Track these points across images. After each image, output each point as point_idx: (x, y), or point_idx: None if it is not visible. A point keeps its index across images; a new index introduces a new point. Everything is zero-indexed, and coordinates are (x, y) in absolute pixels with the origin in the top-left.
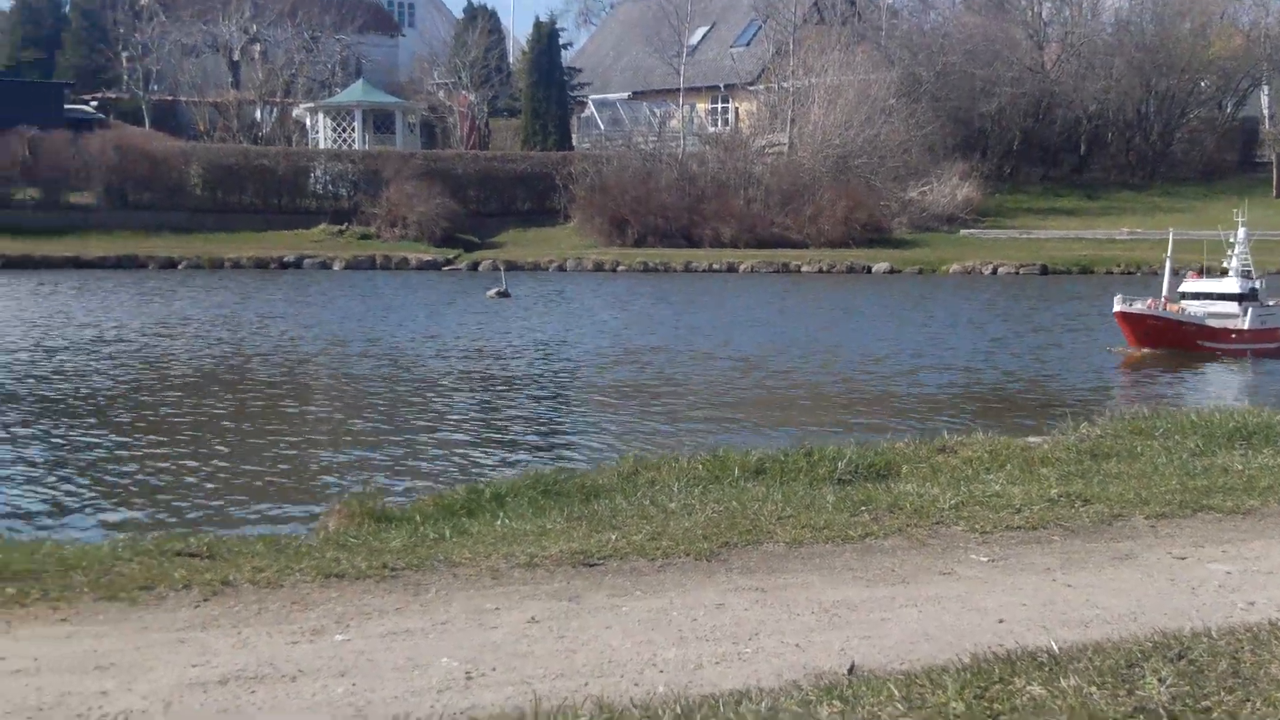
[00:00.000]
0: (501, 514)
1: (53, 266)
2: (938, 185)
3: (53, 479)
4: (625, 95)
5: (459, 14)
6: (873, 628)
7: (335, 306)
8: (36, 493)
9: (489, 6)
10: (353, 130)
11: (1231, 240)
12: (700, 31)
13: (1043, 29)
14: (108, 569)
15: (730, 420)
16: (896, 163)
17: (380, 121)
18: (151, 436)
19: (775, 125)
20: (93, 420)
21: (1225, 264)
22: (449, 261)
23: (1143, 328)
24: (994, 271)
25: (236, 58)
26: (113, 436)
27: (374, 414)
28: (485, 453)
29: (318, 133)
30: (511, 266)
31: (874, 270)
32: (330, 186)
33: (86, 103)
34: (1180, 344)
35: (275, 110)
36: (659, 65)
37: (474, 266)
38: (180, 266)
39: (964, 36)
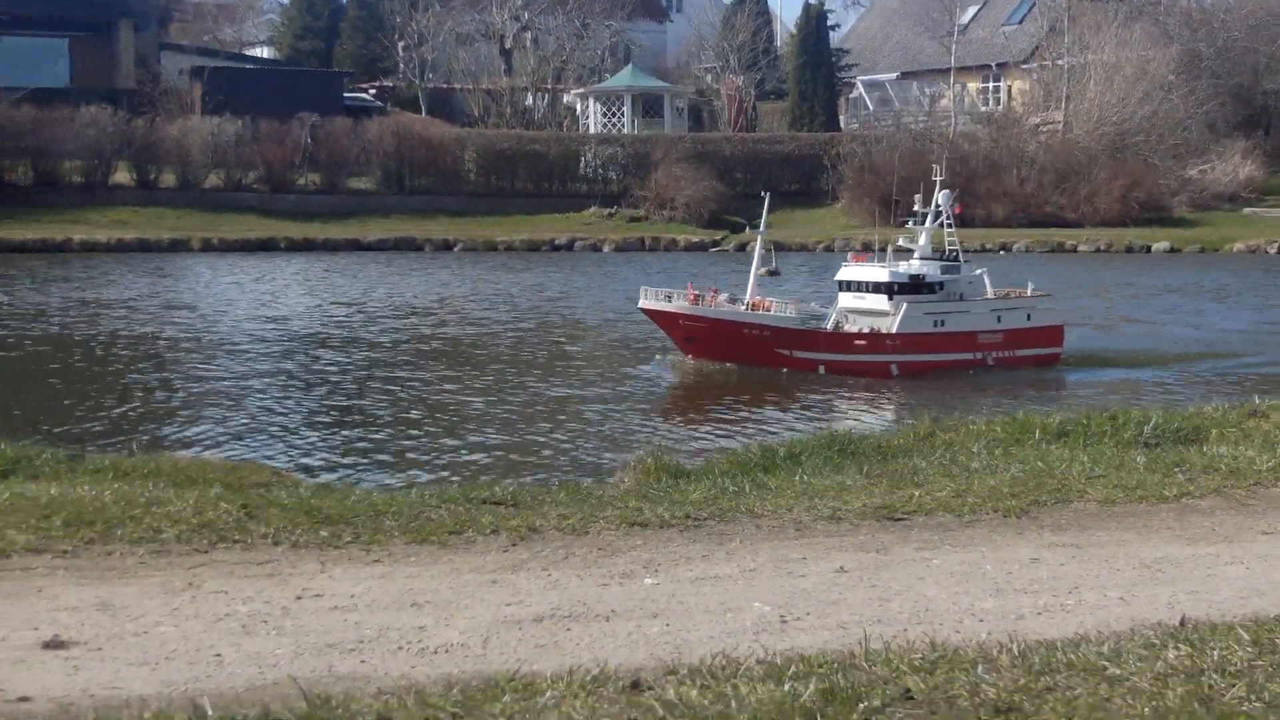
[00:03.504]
0: (800, 470)
1: (333, 249)
2: (1218, 163)
3: (356, 433)
4: (894, 75)
5: None
6: (1199, 583)
7: (620, 280)
8: (343, 444)
9: None
10: (622, 115)
11: (916, 209)
12: (971, 10)
13: None
14: (416, 514)
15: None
16: (1175, 140)
17: (649, 106)
18: (460, 396)
19: (1049, 103)
20: (401, 383)
21: (909, 241)
22: (716, 243)
23: (681, 330)
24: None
25: (509, 45)
26: (423, 394)
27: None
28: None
29: (588, 118)
30: (778, 247)
31: (1153, 249)
32: (600, 170)
33: (365, 91)
34: (749, 354)
35: (546, 96)
36: (929, 44)
37: (741, 248)
38: (455, 249)
39: (1247, 12)
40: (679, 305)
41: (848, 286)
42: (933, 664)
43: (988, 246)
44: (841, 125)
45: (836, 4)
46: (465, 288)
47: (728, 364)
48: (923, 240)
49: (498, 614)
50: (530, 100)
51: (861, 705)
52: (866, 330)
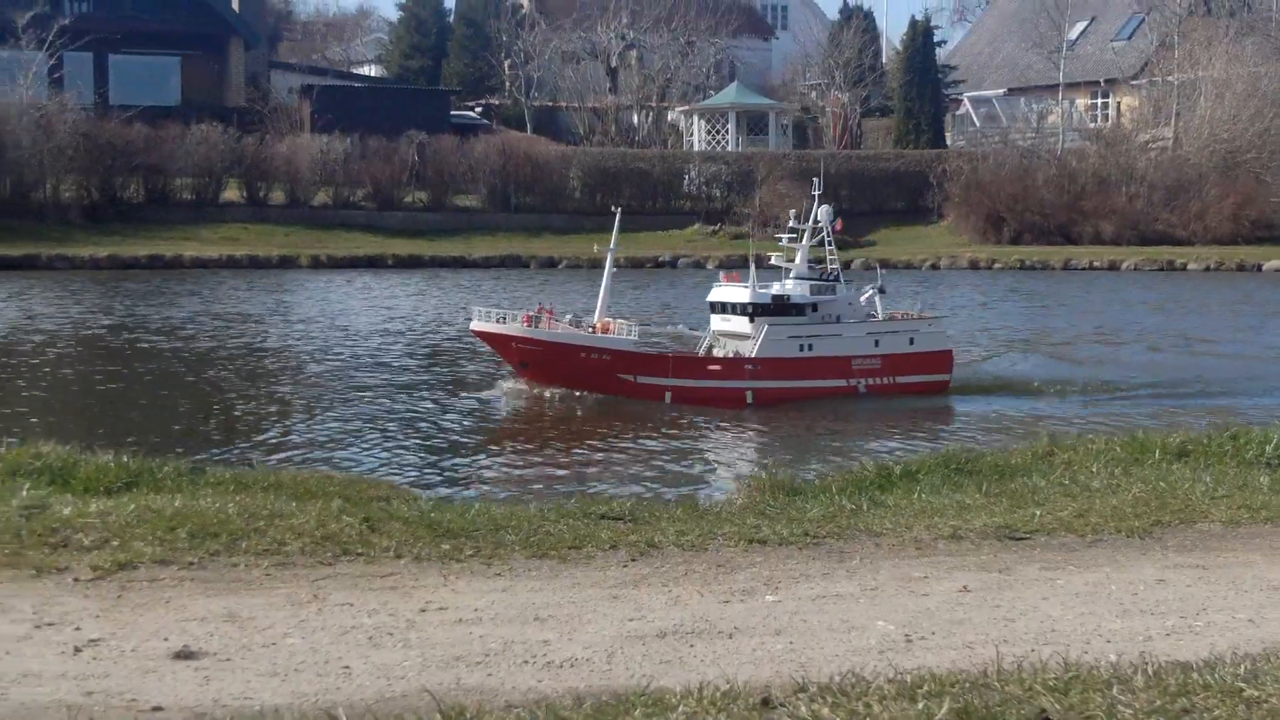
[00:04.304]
0: (917, 489)
1: (439, 266)
2: None
3: (463, 445)
4: (1001, 91)
5: (833, 15)
6: None
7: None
8: (451, 458)
9: (864, 7)
10: (726, 132)
11: (795, 225)
12: (1079, 25)
13: None
14: (535, 529)
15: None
16: None
17: (753, 123)
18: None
19: (1158, 120)
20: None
21: (782, 259)
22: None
23: (515, 354)
24: None
25: (614, 64)
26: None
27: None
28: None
29: (692, 135)
30: (884, 265)
31: (1264, 268)
32: (704, 188)
33: (471, 109)
34: (588, 380)
35: (651, 114)
36: (1036, 60)
37: (845, 265)
38: (560, 266)
39: None
40: (512, 327)
41: (716, 308)
42: (1066, 684)
43: (1095, 265)
44: (948, 142)
45: (943, 20)
46: (580, 304)
47: (569, 390)
48: (798, 259)
49: (620, 629)
50: (635, 118)
51: None
52: (732, 355)
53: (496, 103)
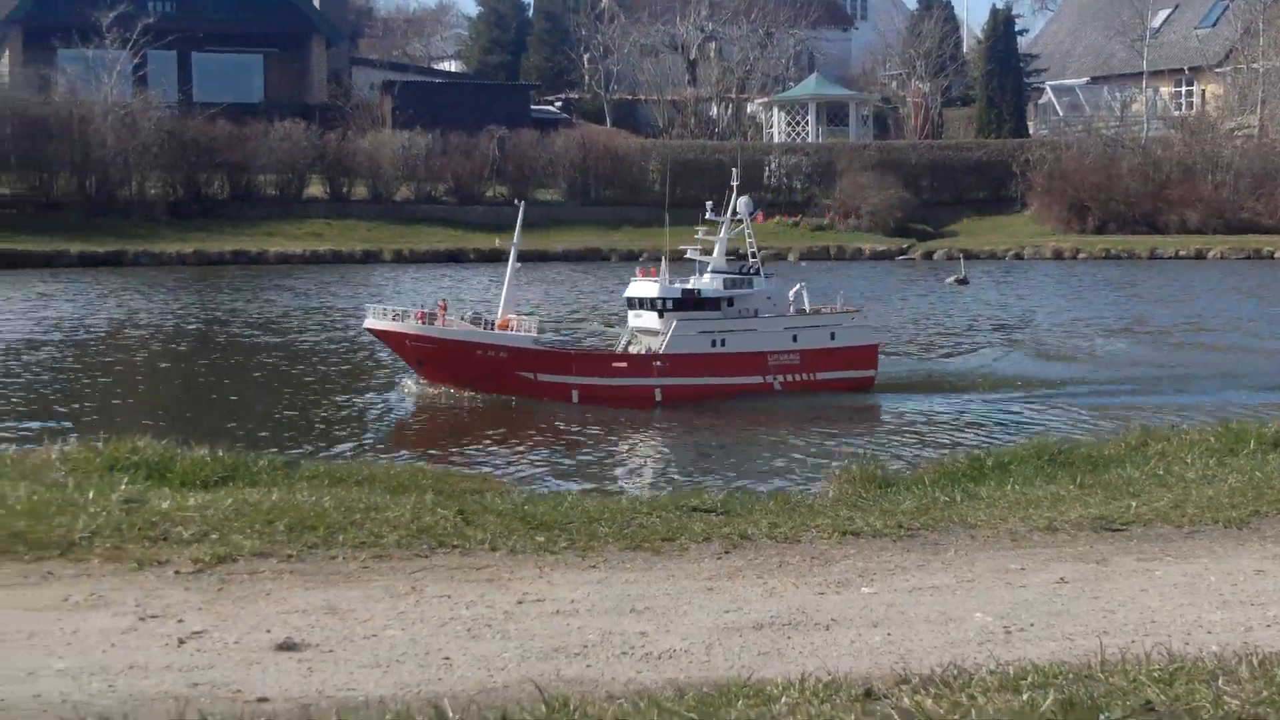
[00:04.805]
0: (1010, 480)
1: (520, 260)
2: None
3: (552, 437)
4: (1084, 80)
5: (913, 5)
6: None
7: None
8: (543, 450)
9: None
10: (806, 123)
11: (711, 218)
12: (1163, 13)
13: None
14: (628, 521)
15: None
16: None
17: (833, 114)
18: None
19: (1244, 107)
20: None
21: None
22: (903, 251)
23: (410, 352)
24: None
25: (693, 56)
26: None
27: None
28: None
29: (772, 127)
30: (967, 255)
31: None
32: (784, 179)
33: (551, 103)
34: (487, 379)
35: (730, 106)
36: (1119, 49)
37: (928, 255)
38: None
39: None
40: (406, 325)
41: (631, 304)
42: (1171, 675)
43: (1181, 254)
44: (1030, 131)
45: (1025, 9)
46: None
47: (468, 390)
48: (716, 252)
49: (717, 621)
50: (714, 110)
51: (1102, 716)
52: (645, 352)
53: (576, 97)
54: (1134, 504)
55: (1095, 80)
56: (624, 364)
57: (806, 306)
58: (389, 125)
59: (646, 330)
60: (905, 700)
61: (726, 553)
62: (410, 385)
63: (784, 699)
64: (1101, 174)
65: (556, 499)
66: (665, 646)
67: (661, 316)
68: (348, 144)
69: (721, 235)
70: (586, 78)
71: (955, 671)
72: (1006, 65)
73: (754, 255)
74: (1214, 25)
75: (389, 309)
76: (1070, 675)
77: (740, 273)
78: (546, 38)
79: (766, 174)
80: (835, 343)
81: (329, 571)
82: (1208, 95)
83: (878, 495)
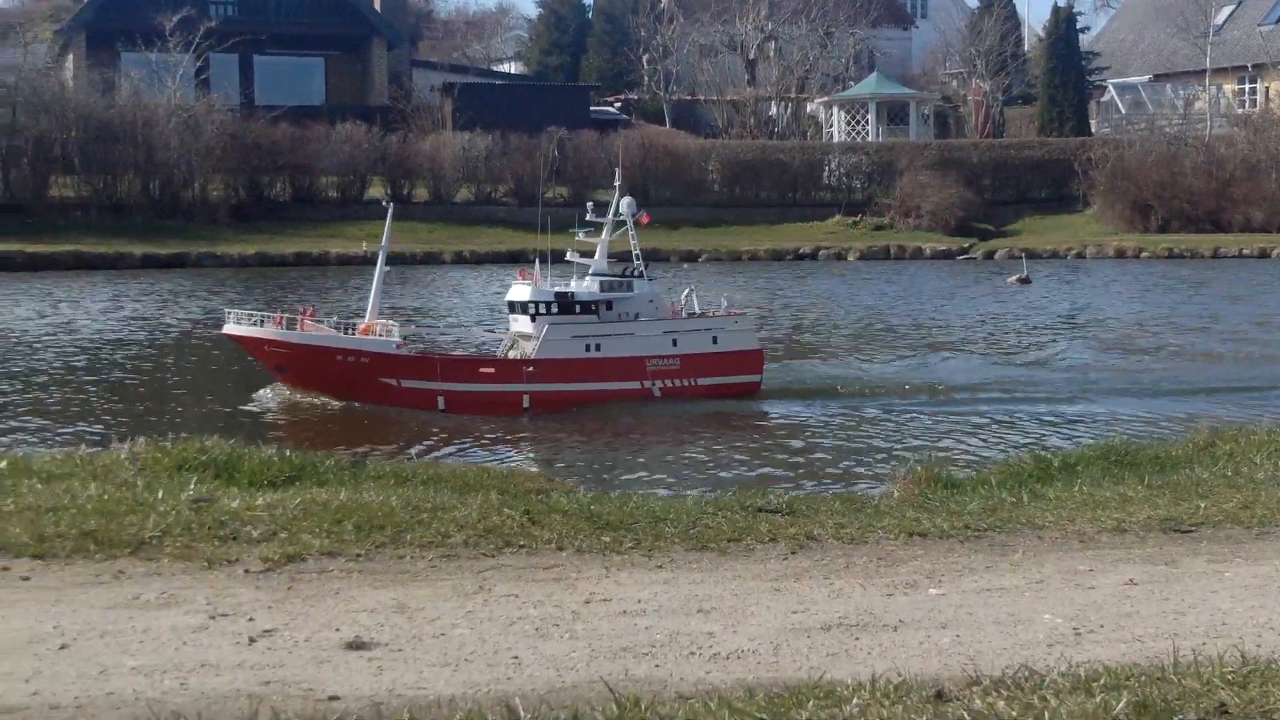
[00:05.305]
0: (1077, 481)
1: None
2: None
3: (618, 439)
4: (1146, 78)
5: (973, 3)
6: None
7: (871, 291)
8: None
9: None
10: (866, 122)
11: (592, 219)
12: (1226, 10)
13: None
14: (694, 522)
15: None
16: None
17: (893, 113)
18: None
19: None
20: None
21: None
22: (963, 250)
23: (269, 357)
24: None
25: (752, 56)
26: None
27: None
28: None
29: (832, 126)
30: (1028, 254)
31: None
32: (844, 179)
33: (610, 104)
34: (349, 386)
35: (790, 106)
36: (1182, 46)
37: (989, 255)
38: (700, 259)
39: None
40: (264, 330)
41: (511, 308)
42: (1244, 678)
43: (1245, 252)
44: (1092, 130)
45: (1086, 6)
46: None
47: (330, 397)
48: (597, 254)
49: (785, 621)
50: (774, 110)
51: (1176, 719)
52: (518, 357)
53: (635, 98)
54: (1203, 505)
55: (1158, 78)
56: (491, 369)
57: (697, 310)
58: (449, 127)
59: (524, 335)
60: (977, 702)
61: (793, 553)
62: (268, 394)
63: (855, 700)
64: (1164, 172)
65: (622, 499)
66: (733, 647)
67: (534, 320)
68: (408, 146)
69: (604, 237)
70: (646, 78)
71: (1026, 673)
72: (1068, 63)
73: (638, 257)
74: (1277, 22)
75: (250, 313)
76: (1142, 677)
77: (622, 275)
78: (606, 39)
79: (826, 173)
80: (718, 347)
81: (397, 571)
82: (1271, 92)
83: (944, 496)
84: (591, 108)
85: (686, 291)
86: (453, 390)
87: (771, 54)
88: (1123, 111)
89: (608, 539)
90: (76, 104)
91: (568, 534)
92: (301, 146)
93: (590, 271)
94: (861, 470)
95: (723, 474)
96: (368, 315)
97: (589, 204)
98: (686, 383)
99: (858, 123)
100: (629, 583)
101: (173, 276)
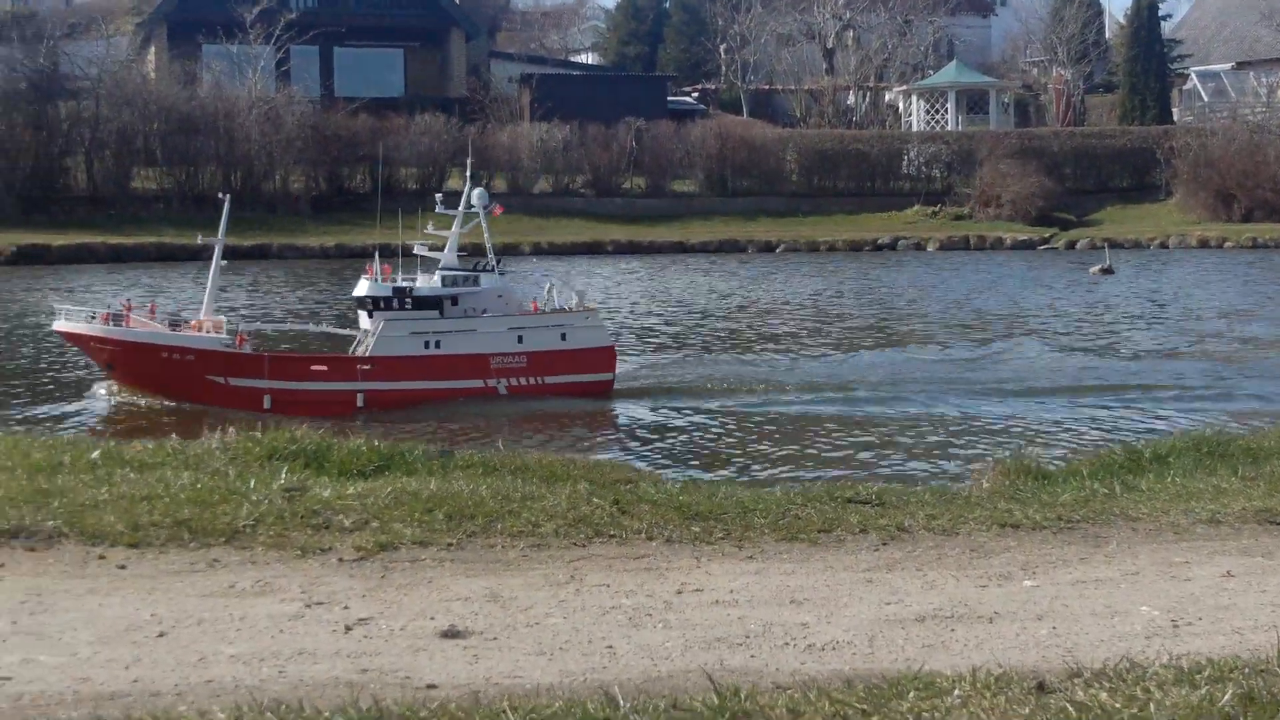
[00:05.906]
0: (1169, 473)
1: (658, 251)
2: None
3: (692, 430)
4: (1229, 66)
5: None
6: None
7: (946, 283)
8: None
9: None
10: (946, 111)
11: (442, 210)
12: None
13: None
14: (784, 512)
15: None
16: None
17: (973, 102)
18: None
19: None
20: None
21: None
22: (1044, 240)
23: (98, 354)
24: None
25: (830, 45)
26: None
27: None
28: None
29: (910, 115)
30: (1111, 244)
31: None
32: (923, 168)
33: (688, 94)
34: (178, 384)
35: (868, 95)
36: (1265, 34)
37: (1071, 245)
38: (778, 250)
39: None
40: (91, 326)
41: (362, 304)
42: None
43: None
44: (1174, 118)
45: None
46: (810, 286)
47: (159, 396)
48: (447, 248)
49: (878, 613)
50: (852, 99)
51: None
52: (357, 354)
53: (713, 87)
54: None
55: (1240, 66)
56: (323, 367)
57: (559, 305)
58: (527, 118)
59: (367, 332)
60: (1079, 694)
61: (884, 544)
62: (101, 392)
63: (955, 691)
64: (1248, 161)
65: (711, 489)
66: (828, 638)
67: (371, 316)
68: (487, 137)
69: (454, 230)
70: (723, 68)
71: (1127, 665)
72: (1150, 51)
73: (491, 251)
74: None
75: (80, 310)
76: (1246, 669)
77: (471, 269)
78: (684, 29)
79: (905, 163)
80: (566, 344)
81: (489, 560)
82: None
83: (1035, 487)
84: (669, 98)
85: (548, 286)
86: (281, 389)
87: (850, 43)
88: (1205, 100)
89: (697, 529)
90: (158, 96)
91: (657, 524)
92: (381, 138)
93: (439, 266)
94: (946, 464)
95: (806, 472)
96: (202, 311)
97: (438, 195)
98: (534, 380)
99: (937, 111)
100: (720, 573)
101: (264, 267)
